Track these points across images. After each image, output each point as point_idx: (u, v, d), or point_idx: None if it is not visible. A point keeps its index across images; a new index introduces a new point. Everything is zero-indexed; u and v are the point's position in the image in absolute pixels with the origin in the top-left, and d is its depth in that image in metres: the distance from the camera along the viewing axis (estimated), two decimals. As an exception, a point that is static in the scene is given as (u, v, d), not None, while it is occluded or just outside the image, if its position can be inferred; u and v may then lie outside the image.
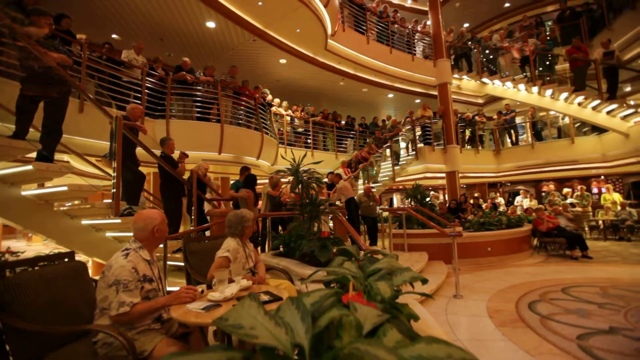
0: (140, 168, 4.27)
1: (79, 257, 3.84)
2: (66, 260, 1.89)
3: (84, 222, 3.65)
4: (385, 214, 6.92)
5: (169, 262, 3.74)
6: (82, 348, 1.50)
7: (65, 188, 3.20)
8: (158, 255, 3.59)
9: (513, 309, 3.38)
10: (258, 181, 5.76)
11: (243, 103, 6.87)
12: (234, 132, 6.40)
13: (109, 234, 3.78)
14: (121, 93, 5.29)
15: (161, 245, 3.37)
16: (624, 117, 7.98)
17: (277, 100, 9.30)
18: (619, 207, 8.39)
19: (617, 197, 9.00)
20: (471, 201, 9.57)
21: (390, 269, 1.37)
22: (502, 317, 3.14)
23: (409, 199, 7.16)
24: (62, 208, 3.64)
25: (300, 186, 3.53)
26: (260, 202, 6.10)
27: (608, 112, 8.08)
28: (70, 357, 1.43)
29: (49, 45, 3.23)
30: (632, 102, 7.72)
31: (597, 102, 7.94)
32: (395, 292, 1.17)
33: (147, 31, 7.61)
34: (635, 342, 2.52)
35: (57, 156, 4.25)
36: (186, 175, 4.58)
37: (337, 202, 6.08)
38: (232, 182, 5.73)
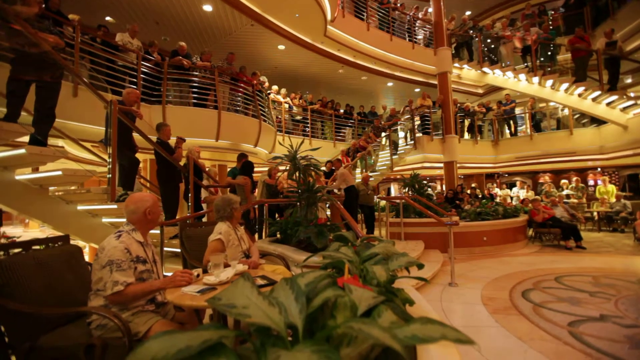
0: (137, 154, 4.23)
1: (77, 242, 3.83)
2: (60, 243, 1.88)
3: (80, 207, 3.62)
4: (383, 202, 6.94)
5: (165, 248, 3.75)
6: (76, 330, 1.50)
7: (59, 173, 3.16)
8: (155, 242, 3.60)
9: (507, 297, 3.43)
10: (255, 169, 5.73)
11: (241, 89, 6.76)
12: (232, 119, 6.32)
13: (105, 220, 3.77)
14: (116, 77, 5.19)
15: (158, 232, 3.38)
16: (624, 109, 7.95)
17: (275, 88, 9.17)
18: (613, 199, 8.45)
19: (612, 188, 9.06)
20: (468, 191, 9.60)
21: (386, 253, 1.37)
22: (495, 305, 3.19)
23: (407, 189, 7.17)
24: (57, 193, 3.61)
25: (297, 173, 3.50)
26: (257, 191, 6.08)
27: (608, 104, 8.04)
28: (65, 338, 1.44)
29: (42, 27, 3.13)
30: (632, 94, 7.68)
31: (598, 93, 7.89)
32: (391, 276, 1.17)
33: (142, 14, 7.41)
34: (625, 329, 2.57)
35: (52, 141, 4.19)
36: (182, 162, 4.54)
37: (336, 191, 6.06)
38: (229, 169, 5.69)
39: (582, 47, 7.74)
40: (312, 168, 3.55)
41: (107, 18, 7.52)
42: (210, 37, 8.52)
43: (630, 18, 8.35)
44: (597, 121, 9.08)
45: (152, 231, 3.55)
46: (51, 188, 3.56)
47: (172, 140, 4.67)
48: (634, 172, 11.01)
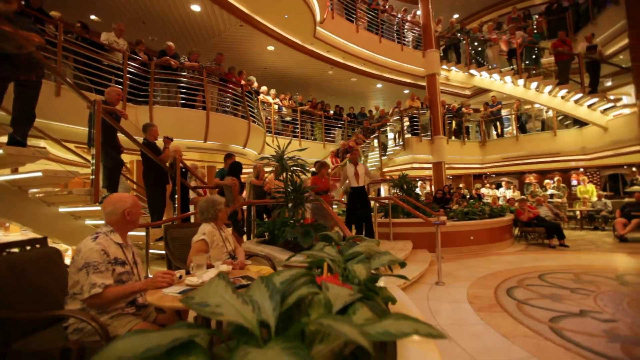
0: (123, 155, 4.15)
1: (59, 245, 3.73)
2: (38, 246, 1.83)
3: (62, 209, 3.54)
4: (372, 203, 6.94)
5: (151, 251, 3.69)
6: (52, 334, 1.46)
7: (39, 174, 3.08)
8: (140, 244, 3.54)
9: (492, 295, 3.49)
10: (244, 170, 5.69)
11: (229, 90, 6.72)
12: (220, 120, 6.27)
13: (88, 222, 3.69)
14: (102, 77, 5.08)
15: (144, 234, 3.32)
16: (604, 111, 8.21)
17: (264, 88, 9.15)
18: (595, 198, 8.70)
19: (591, 188, 9.32)
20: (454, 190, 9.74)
21: (369, 252, 1.38)
22: (481, 303, 3.24)
23: (396, 189, 7.23)
24: (37, 195, 3.51)
25: (285, 173, 3.50)
26: (245, 192, 6.04)
27: (589, 106, 8.29)
28: (40, 343, 1.39)
29: (22, 25, 3.04)
30: (611, 97, 7.94)
31: (579, 95, 8.13)
32: (372, 274, 1.17)
33: (128, 13, 7.30)
34: (603, 323, 2.65)
35: (34, 142, 4.08)
36: (169, 162, 4.48)
37: (334, 194, 5.99)
38: (217, 170, 5.64)
39: (565, 51, 7.97)
40: (299, 168, 3.54)
41: (92, 17, 7.38)
42: (199, 38, 8.45)
43: (610, 23, 8.63)
44: (579, 123, 9.34)
45: (138, 233, 3.49)
46: (31, 190, 3.47)
47: (160, 142, 4.60)
48: (614, 172, 11.35)
